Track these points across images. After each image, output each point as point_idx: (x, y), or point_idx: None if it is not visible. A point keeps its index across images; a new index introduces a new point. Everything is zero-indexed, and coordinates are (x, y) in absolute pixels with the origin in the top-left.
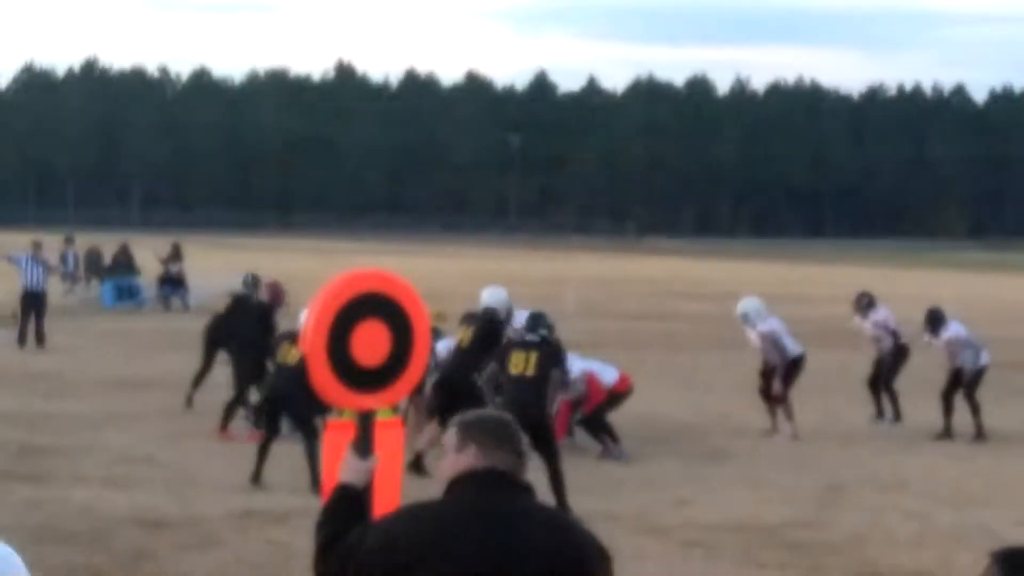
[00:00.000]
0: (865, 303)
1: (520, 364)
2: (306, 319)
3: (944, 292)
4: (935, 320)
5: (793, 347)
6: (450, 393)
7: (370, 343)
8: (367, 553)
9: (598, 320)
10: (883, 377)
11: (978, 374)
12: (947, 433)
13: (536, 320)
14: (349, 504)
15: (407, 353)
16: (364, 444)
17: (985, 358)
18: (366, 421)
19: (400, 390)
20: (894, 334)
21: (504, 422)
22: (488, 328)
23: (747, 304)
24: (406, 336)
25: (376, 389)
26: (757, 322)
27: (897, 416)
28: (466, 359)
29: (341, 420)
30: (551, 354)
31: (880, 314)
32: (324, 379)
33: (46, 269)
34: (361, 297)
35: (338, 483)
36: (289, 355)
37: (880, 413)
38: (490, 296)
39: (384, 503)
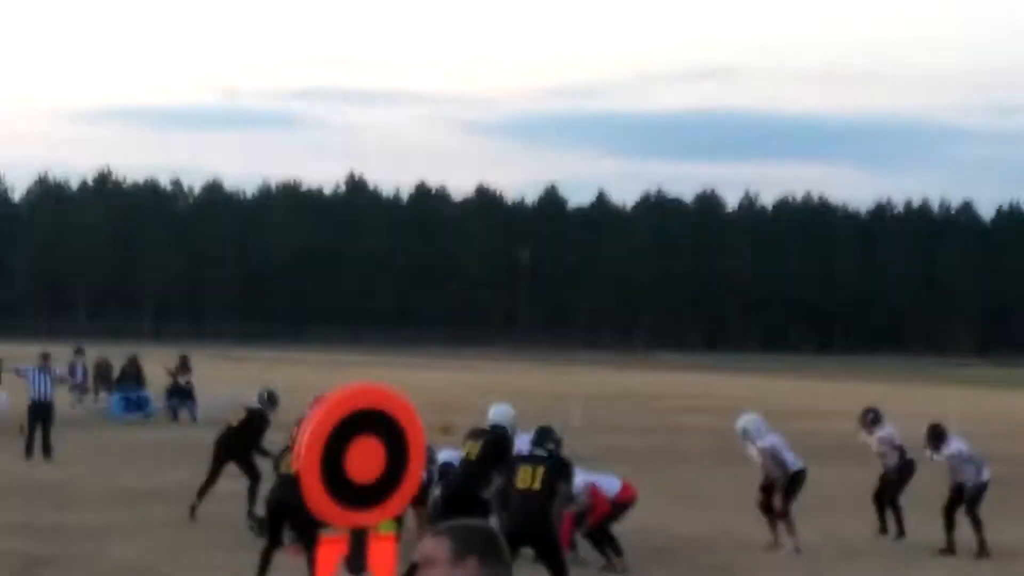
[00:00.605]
0: (871, 419)
1: (527, 479)
2: (300, 436)
3: (950, 408)
4: (936, 436)
5: (793, 462)
6: (456, 506)
7: (365, 459)
8: None
9: (604, 434)
10: (888, 492)
11: (980, 490)
12: (950, 549)
13: (544, 435)
14: None
15: (402, 469)
16: (357, 561)
17: (987, 474)
18: (360, 537)
19: (394, 506)
20: (900, 450)
21: (496, 534)
22: (496, 443)
23: (746, 420)
24: (401, 452)
25: (370, 506)
26: (756, 437)
27: (901, 532)
28: (473, 472)
29: (334, 536)
30: (558, 469)
31: (886, 430)
32: (317, 497)
33: (54, 380)
34: (355, 414)
35: None
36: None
37: (884, 528)
38: (497, 413)
39: None
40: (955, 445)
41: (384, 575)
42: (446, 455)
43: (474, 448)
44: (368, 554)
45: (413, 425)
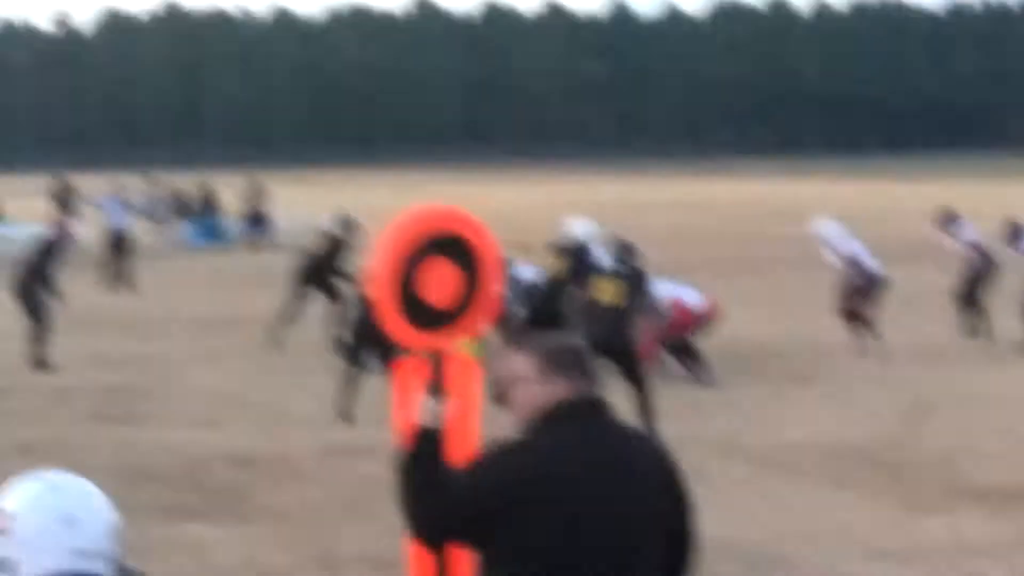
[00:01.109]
0: (947, 219)
1: (608, 293)
2: (374, 260)
3: None
4: (1015, 231)
5: (873, 266)
6: (540, 323)
7: (439, 282)
8: (483, 486)
9: (680, 244)
10: (971, 293)
11: None
12: None
13: (623, 249)
14: (430, 447)
15: (478, 290)
16: (438, 384)
17: None
18: (439, 360)
19: (471, 326)
20: (979, 249)
21: (582, 348)
22: (577, 259)
23: (825, 225)
24: (476, 274)
25: (447, 327)
26: (835, 243)
27: (985, 331)
28: (556, 289)
29: (411, 359)
30: (638, 282)
31: (964, 230)
32: (393, 320)
33: (130, 210)
34: (429, 236)
35: (415, 426)
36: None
37: (971, 329)
38: (579, 228)
39: (462, 443)
40: None
41: (467, 398)
42: (527, 272)
43: (556, 264)
44: (449, 377)
45: (487, 245)
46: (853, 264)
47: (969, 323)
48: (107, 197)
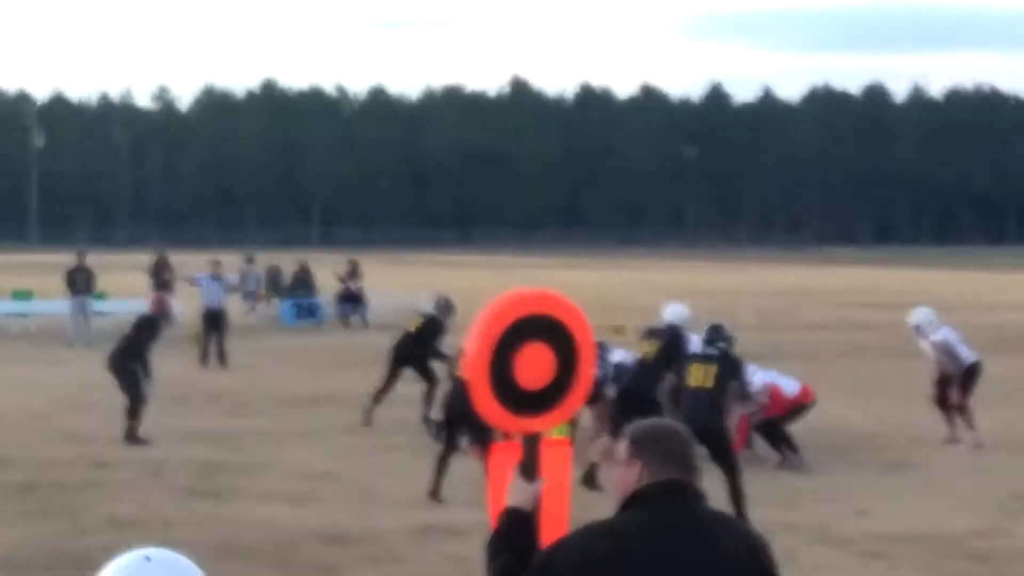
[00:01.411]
0: None
1: (699, 377)
2: (469, 342)
3: None
4: None
5: (967, 355)
6: (632, 407)
7: (534, 366)
8: (562, 571)
9: (776, 332)
10: None
11: None
12: None
13: (715, 332)
14: (520, 529)
15: (573, 374)
16: (530, 466)
17: None
18: (532, 443)
19: (565, 412)
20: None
21: (673, 433)
22: (671, 343)
23: (919, 314)
24: (571, 358)
25: (541, 411)
26: (929, 332)
27: None
28: (650, 373)
29: (507, 442)
30: (730, 367)
31: None
32: (487, 403)
33: (226, 288)
34: (525, 319)
35: (507, 507)
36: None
37: None
38: (672, 312)
39: (552, 525)
40: None
41: (558, 480)
42: (619, 355)
43: (650, 348)
44: (541, 459)
45: (582, 329)
46: (946, 352)
47: None
48: (204, 275)
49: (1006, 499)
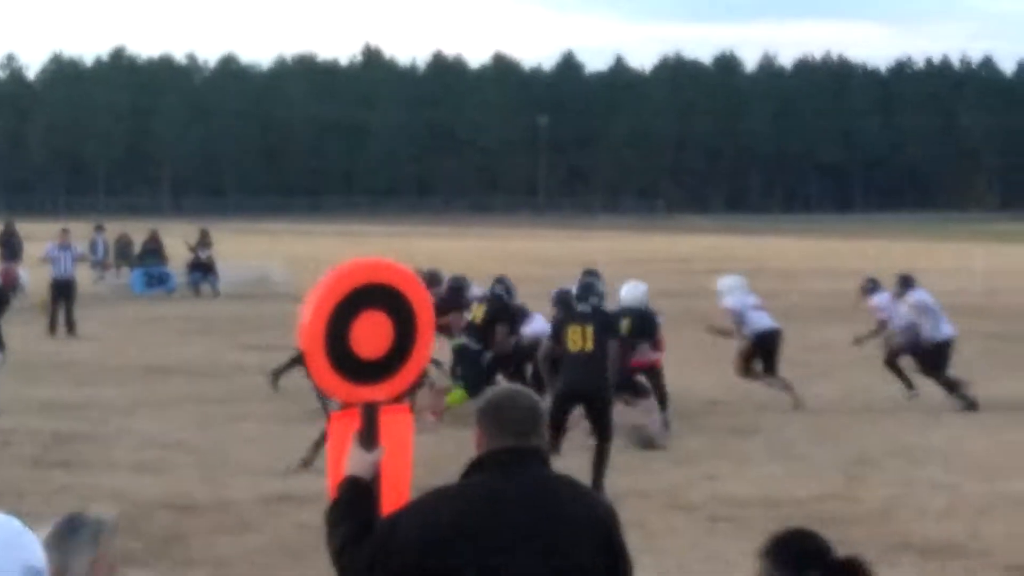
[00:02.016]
0: (870, 287)
1: (577, 340)
2: (304, 311)
3: (975, 264)
4: (904, 282)
5: (759, 323)
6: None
7: (371, 334)
8: (404, 540)
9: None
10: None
11: (939, 346)
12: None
13: (586, 290)
14: (360, 498)
15: (410, 343)
16: (369, 436)
17: (947, 330)
18: (370, 412)
19: (403, 381)
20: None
21: (514, 401)
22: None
23: (721, 282)
24: (409, 326)
25: (378, 380)
26: (722, 297)
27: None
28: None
29: (345, 410)
30: (605, 323)
31: (882, 297)
32: (323, 373)
33: (75, 257)
34: (361, 288)
35: (346, 476)
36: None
37: (910, 385)
38: (628, 293)
39: (393, 493)
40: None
41: (399, 447)
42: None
43: (479, 311)
44: (380, 428)
45: (420, 297)
46: (733, 319)
47: (908, 379)
48: (53, 245)
49: (849, 464)
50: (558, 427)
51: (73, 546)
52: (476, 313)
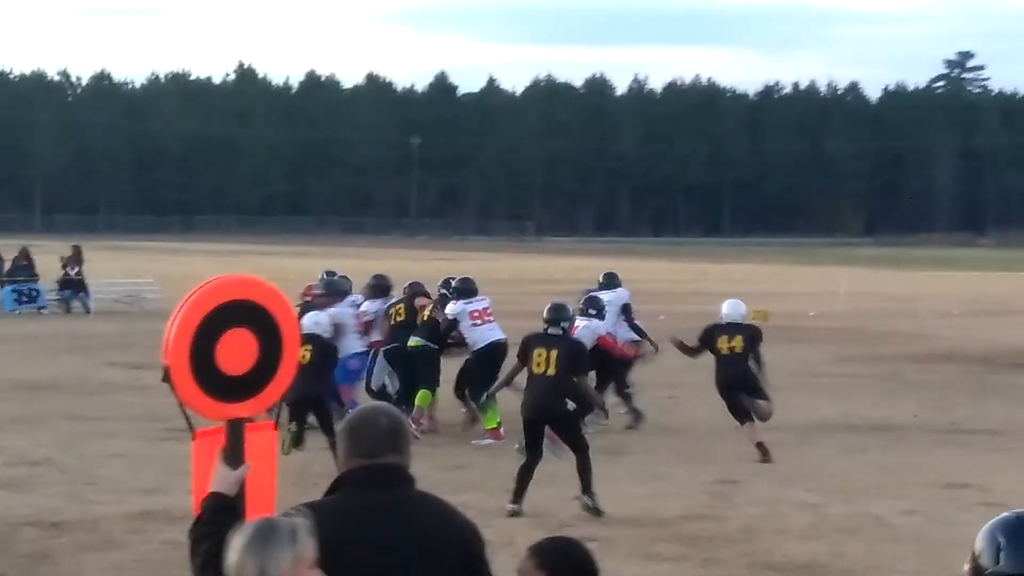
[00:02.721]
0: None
1: (541, 363)
2: (168, 330)
3: (839, 287)
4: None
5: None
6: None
7: (236, 351)
8: None
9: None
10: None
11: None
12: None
13: (557, 312)
14: (224, 514)
15: (275, 360)
16: (235, 453)
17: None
18: (236, 429)
19: (269, 398)
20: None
21: (373, 420)
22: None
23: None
24: (274, 343)
25: (244, 397)
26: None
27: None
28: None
29: (210, 428)
30: (573, 350)
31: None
32: (188, 391)
33: None
34: (225, 305)
35: (209, 493)
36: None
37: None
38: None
39: (258, 508)
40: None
41: (264, 464)
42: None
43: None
44: (246, 444)
45: (285, 314)
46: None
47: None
48: None
49: (715, 484)
50: (533, 448)
51: (273, 547)
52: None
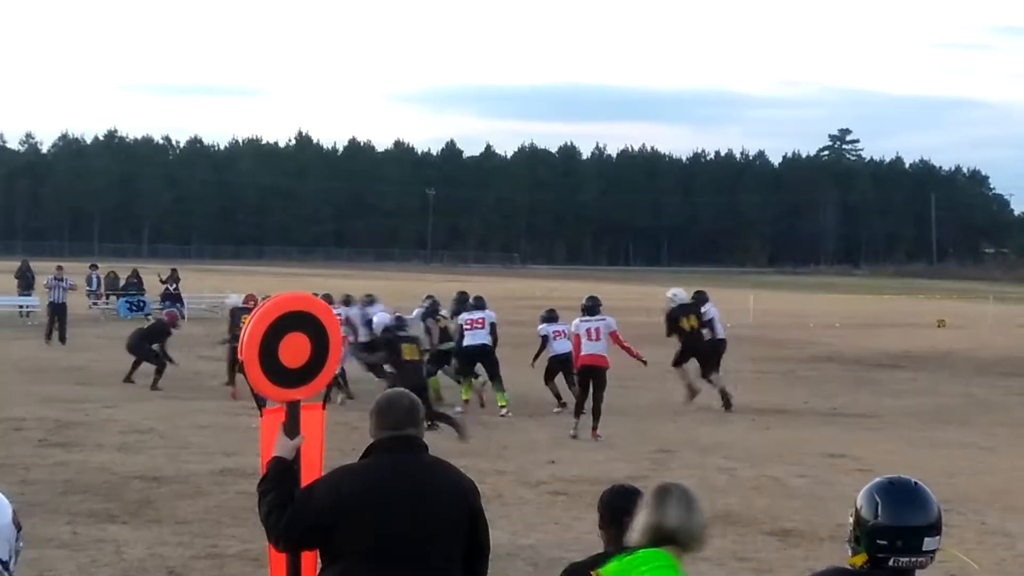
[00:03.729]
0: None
1: (409, 352)
2: (243, 333)
3: (749, 305)
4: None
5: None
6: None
7: (294, 349)
8: (316, 504)
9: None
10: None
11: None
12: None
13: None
14: (283, 473)
15: (324, 357)
16: (292, 426)
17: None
18: (293, 408)
19: (319, 384)
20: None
21: (398, 399)
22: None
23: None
24: (322, 344)
25: (299, 385)
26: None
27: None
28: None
29: (273, 407)
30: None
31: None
32: (258, 378)
33: (66, 288)
34: (286, 315)
35: (273, 457)
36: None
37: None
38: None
39: (309, 471)
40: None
41: (313, 436)
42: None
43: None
44: (300, 421)
45: (331, 322)
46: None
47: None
48: (50, 278)
49: (655, 452)
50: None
51: (697, 506)
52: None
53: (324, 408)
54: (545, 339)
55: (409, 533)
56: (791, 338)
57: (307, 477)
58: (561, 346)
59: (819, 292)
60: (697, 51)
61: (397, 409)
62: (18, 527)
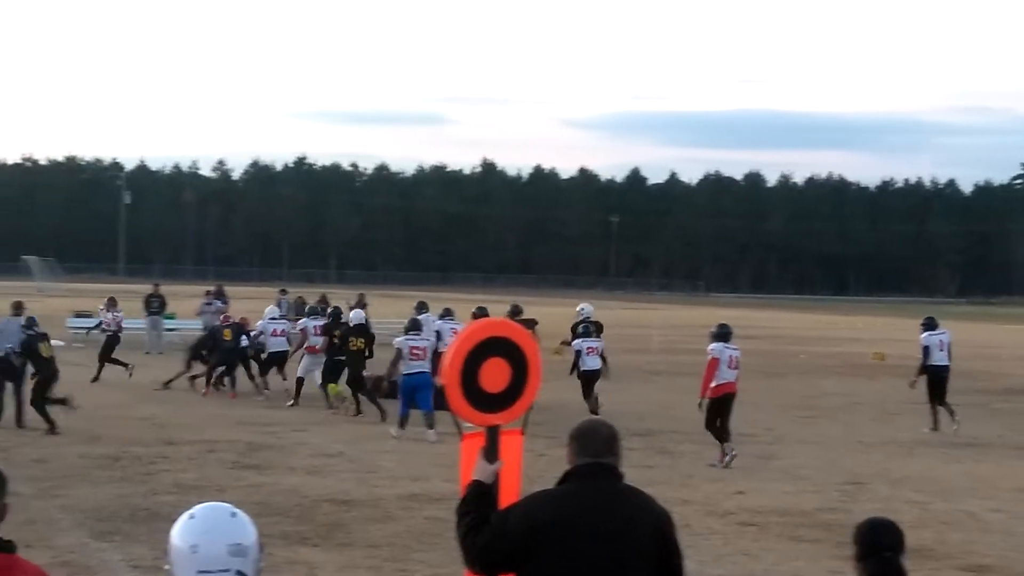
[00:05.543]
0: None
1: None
2: (445, 358)
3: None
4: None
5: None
6: None
7: (494, 374)
8: (513, 528)
9: (675, 355)
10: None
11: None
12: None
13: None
14: (482, 497)
15: (523, 382)
16: (491, 451)
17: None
18: (493, 433)
19: (517, 410)
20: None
21: (597, 428)
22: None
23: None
24: (522, 369)
25: (499, 410)
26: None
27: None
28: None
29: (474, 431)
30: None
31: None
32: (459, 402)
33: (216, 311)
34: (487, 340)
35: (472, 481)
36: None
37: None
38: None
39: (507, 495)
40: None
41: (512, 461)
42: None
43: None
44: (500, 446)
45: (530, 348)
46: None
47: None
48: (203, 302)
49: (845, 484)
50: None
51: None
52: None
53: (523, 434)
54: (578, 353)
55: (603, 561)
56: (983, 370)
57: (505, 501)
58: (592, 362)
59: (1011, 323)
60: (885, 78)
61: (596, 437)
62: (261, 547)
